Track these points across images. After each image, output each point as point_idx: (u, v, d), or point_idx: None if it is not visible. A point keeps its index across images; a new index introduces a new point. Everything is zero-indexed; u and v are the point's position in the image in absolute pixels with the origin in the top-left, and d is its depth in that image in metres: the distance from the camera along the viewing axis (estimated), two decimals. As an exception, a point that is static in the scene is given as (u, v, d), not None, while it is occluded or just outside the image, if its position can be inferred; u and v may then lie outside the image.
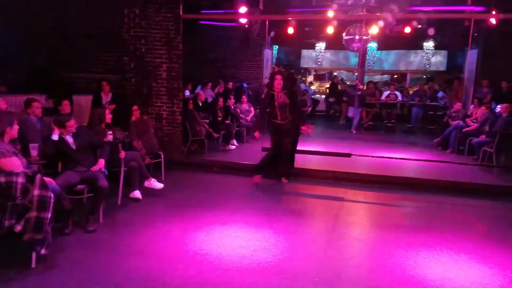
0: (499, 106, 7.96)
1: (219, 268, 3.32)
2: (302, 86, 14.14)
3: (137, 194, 4.93)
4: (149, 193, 5.11)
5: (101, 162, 4.26)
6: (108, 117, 4.71)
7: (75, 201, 4.03)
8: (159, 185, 5.18)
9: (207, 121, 8.17)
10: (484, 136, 7.48)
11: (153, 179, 5.16)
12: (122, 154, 4.74)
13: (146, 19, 6.58)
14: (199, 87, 11.02)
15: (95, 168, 4.19)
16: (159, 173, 5.86)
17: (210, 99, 9.56)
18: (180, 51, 6.62)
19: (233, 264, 3.39)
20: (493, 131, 7.26)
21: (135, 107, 5.95)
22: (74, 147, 4.14)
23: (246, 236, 3.99)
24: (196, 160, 7.13)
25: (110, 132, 4.93)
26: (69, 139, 4.13)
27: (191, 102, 7.77)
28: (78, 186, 4.05)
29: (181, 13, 6.53)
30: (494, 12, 7.35)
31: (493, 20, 8.19)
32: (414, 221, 4.77)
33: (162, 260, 3.44)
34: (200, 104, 8.65)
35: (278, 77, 5.62)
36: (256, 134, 6.14)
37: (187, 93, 10.21)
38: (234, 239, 3.92)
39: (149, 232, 4.03)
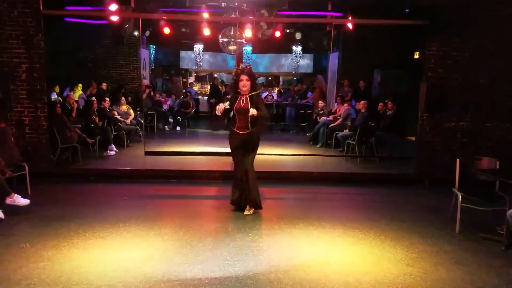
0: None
1: (101, 285, 3.07)
2: (190, 89, 14.02)
3: (-3, 214, 4.29)
4: (13, 211, 4.49)
5: None
6: None
7: None
8: (24, 201, 4.60)
9: (80, 125, 7.51)
10: (347, 130, 8.47)
11: (16, 195, 4.57)
12: (-26, 169, 4.06)
13: (-2, 14, 5.76)
14: (67, 89, 10.07)
15: None
16: (24, 187, 5.22)
17: (81, 102, 8.82)
18: (42, 50, 5.96)
19: (118, 279, 3.17)
20: (354, 126, 8.28)
21: (-12, 114, 5.17)
22: None
23: (132, 248, 3.78)
24: (68, 170, 6.51)
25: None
26: None
27: (58, 105, 7.06)
28: None
29: (41, 8, 5.87)
30: (350, 18, 8.23)
31: (350, 25, 9.24)
32: (294, 211, 5.12)
33: (32, 286, 3.03)
34: (70, 107, 7.91)
35: (244, 77, 4.57)
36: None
37: (54, 95, 9.26)
38: (117, 252, 3.68)
39: (15, 256, 3.53)
